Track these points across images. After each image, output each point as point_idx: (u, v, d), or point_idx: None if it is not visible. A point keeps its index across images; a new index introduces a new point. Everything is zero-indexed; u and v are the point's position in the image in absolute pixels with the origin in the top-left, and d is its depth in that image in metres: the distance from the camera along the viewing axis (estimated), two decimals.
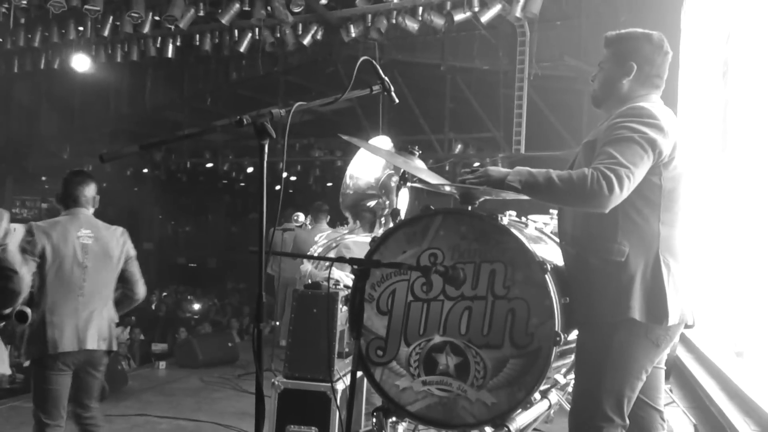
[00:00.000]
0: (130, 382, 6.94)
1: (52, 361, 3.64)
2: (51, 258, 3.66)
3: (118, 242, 3.91)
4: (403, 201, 3.38)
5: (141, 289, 4.07)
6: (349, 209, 3.73)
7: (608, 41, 2.78)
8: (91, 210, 3.91)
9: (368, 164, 3.61)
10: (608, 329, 2.55)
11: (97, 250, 3.81)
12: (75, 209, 3.83)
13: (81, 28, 10.56)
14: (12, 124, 14.73)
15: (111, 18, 10.05)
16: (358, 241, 4.12)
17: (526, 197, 2.61)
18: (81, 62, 11.18)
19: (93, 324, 3.76)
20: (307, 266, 4.36)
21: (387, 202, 4.00)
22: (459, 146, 11.58)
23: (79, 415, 3.81)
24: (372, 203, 3.64)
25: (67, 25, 10.51)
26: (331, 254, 4.27)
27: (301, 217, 8.19)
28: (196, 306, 12.72)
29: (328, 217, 8.36)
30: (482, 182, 2.61)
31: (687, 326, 2.71)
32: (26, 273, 3.19)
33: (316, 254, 4.33)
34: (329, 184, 15.82)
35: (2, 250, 3.09)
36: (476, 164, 10.32)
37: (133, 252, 4.01)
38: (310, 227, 8.18)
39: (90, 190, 3.88)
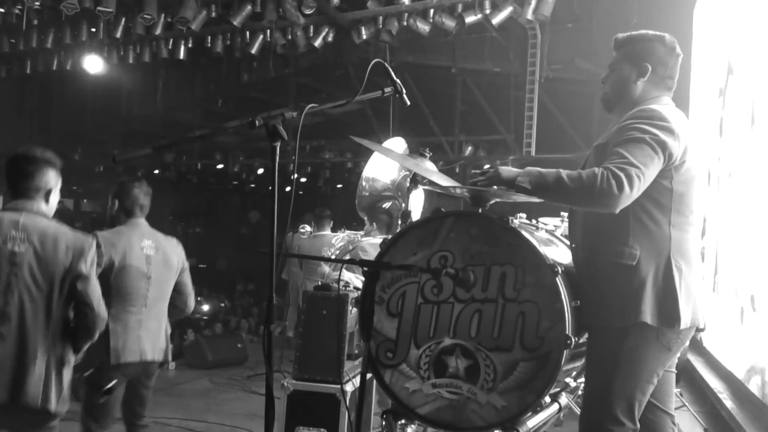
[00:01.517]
0: None
1: (112, 372, 3.62)
2: (117, 268, 3.63)
3: (176, 252, 3.92)
4: (417, 203, 3.38)
5: (191, 302, 4.07)
6: (365, 211, 3.74)
7: (618, 43, 2.77)
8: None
9: (384, 166, 3.61)
10: (619, 333, 2.54)
11: (159, 260, 3.80)
12: (137, 219, 3.80)
13: (93, 30, 10.60)
14: (24, 124, 14.82)
15: (123, 19, 10.09)
16: (374, 243, 4.12)
17: (537, 200, 2.60)
18: (93, 63, 11.24)
19: (153, 335, 3.76)
20: (325, 268, 4.36)
21: (403, 204, 4.00)
22: (469, 148, 11.56)
23: (133, 424, 3.84)
24: (387, 205, 3.64)
25: (80, 27, 10.55)
26: (347, 256, 4.28)
27: (307, 228, 8.18)
28: (206, 307, 12.73)
29: (332, 222, 8.36)
30: (492, 182, 2.60)
31: (698, 329, 2.71)
32: (103, 309, 3.08)
33: (332, 256, 4.33)
34: (339, 186, 15.84)
35: (84, 282, 2.98)
36: (486, 166, 10.29)
37: (187, 263, 4.01)
38: (313, 236, 8.17)
39: (149, 200, 3.89)
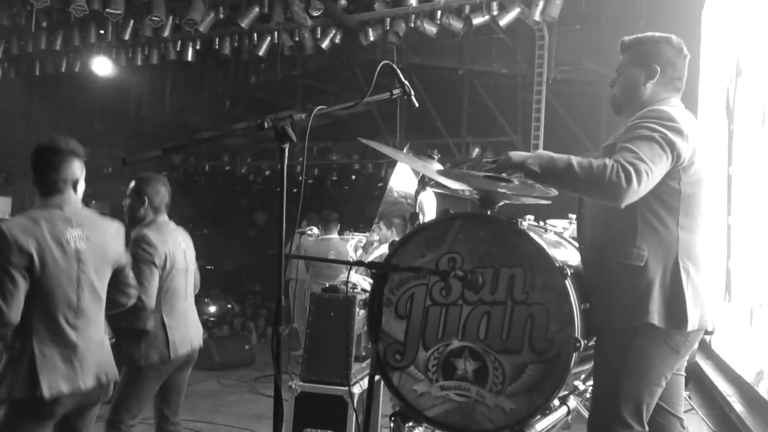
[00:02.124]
0: None
1: (166, 366, 3.69)
2: (169, 265, 3.69)
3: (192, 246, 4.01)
4: (430, 205, 3.38)
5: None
6: (381, 217, 3.76)
7: (625, 46, 2.77)
8: None
9: (408, 175, 3.64)
10: (627, 334, 2.53)
11: (190, 254, 3.92)
12: (164, 215, 3.82)
13: (102, 32, 10.66)
14: (32, 126, 14.88)
15: (132, 21, 10.14)
16: None
17: (544, 201, 2.59)
18: (102, 65, 11.30)
19: (193, 325, 3.90)
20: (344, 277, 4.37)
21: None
22: (476, 150, 11.54)
23: (167, 419, 3.90)
24: (398, 207, 3.65)
25: (89, 29, 10.60)
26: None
27: (315, 230, 8.17)
28: (213, 308, 12.76)
29: (339, 225, 8.34)
30: (503, 168, 2.58)
31: (707, 332, 2.69)
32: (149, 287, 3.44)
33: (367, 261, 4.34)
34: (346, 188, 15.85)
35: (128, 266, 3.20)
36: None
37: None
38: (320, 239, 8.16)
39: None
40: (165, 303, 3.67)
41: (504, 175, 2.57)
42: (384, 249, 4.36)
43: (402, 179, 3.93)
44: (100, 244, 2.99)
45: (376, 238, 4.52)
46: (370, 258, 4.38)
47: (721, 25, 5.62)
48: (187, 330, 3.79)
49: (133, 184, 3.77)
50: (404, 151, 4.02)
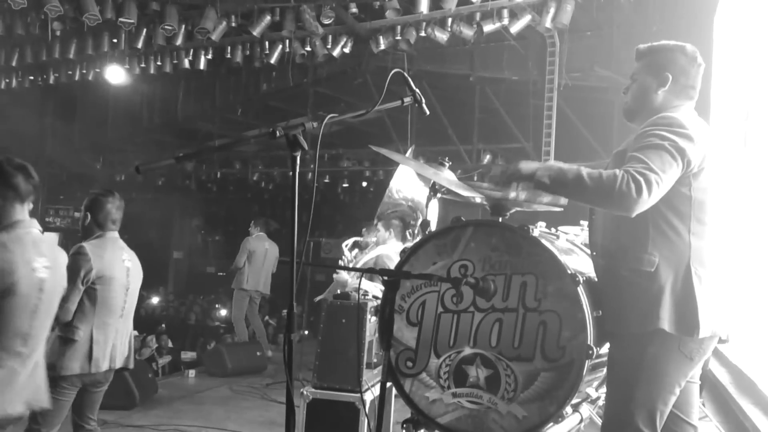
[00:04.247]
0: (160, 390, 7.00)
1: (81, 379, 3.71)
2: (103, 279, 3.72)
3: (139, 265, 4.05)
4: (432, 212, 3.38)
5: None
6: (380, 218, 3.76)
7: (640, 53, 2.77)
8: None
9: (409, 177, 3.63)
10: (640, 341, 2.52)
11: (135, 274, 3.94)
12: (113, 232, 3.87)
13: (115, 41, 10.73)
14: (46, 134, 15.01)
15: (144, 30, 10.21)
16: (399, 251, 4.14)
17: (556, 208, 2.59)
18: (115, 74, 11.39)
19: (122, 344, 3.89)
20: (344, 276, 4.37)
21: (416, 213, 4.02)
22: (488, 157, 11.54)
23: (82, 427, 3.86)
24: (397, 210, 3.66)
25: (102, 38, 10.68)
26: (370, 263, 4.29)
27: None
28: (224, 312, 12.81)
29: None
30: (513, 178, 2.58)
31: (721, 341, 2.67)
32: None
33: (359, 265, 4.33)
34: (357, 194, 15.86)
35: None
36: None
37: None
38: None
39: (121, 214, 3.96)
40: (96, 316, 3.70)
41: (513, 185, 2.58)
42: (381, 250, 4.36)
43: (403, 181, 3.91)
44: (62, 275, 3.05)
45: (374, 239, 4.52)
46: (365, 258, 4.37)
47: (734, 30, 5.59)
48: (114, 348, 3.80)
49: (85, 199, 3.91)
50: (408, 153, 4.01)
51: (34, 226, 2.88)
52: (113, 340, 3.80)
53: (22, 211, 2.82)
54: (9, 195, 2.78)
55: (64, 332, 3.65)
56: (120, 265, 3.83)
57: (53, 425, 3.68)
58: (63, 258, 3.16)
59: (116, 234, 3.90)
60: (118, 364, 3.86)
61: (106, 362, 3.75)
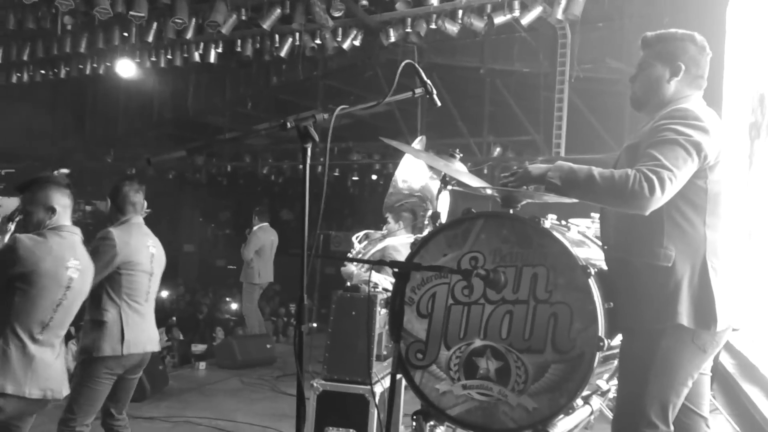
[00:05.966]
0: (171, 382, 7.04)
1: (117, 363, 3.74)
2: (129, 264, 3.80)
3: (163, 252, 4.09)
4: (443, 204, 3.37)
5: None
6: (391, 210, 3.75)
7: (648, 42, 2.74)
8: None
9: (415, 168, 3.61)
10: (654, 335, 2.51)
11: (158, 260, 4.01)
12: (137, 217, 3.95)
13: (126, 34, 10.77)
14: (58, 128, 15.08)
15: (155, 24, 10.24)
16: (405, 243, 4.13)
17: (568, 200, 2.58)
18: (126, 67, 11.42)
19: (150, 328, 3.96)
20: (351, 268, 4.37)
21: (426, 204, 4.00)
22: (498, 149, 11.50)
23: (113, 416, 3.91)
24: (410, 203, 3.64)
25: (113, 31, 10.71)
26: (378, 255, 4.29)
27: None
28: (234, 305, 12.84)
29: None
30: (523, 182, 2.58)
31: (733, 329, 2.66)
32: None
33: (366, 257, 4.32)
34: (367, 187, 15.85)
35: None
36: (515, 167, 10.23)
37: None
38: None
39: (142, 197, 4.03)
40: (124, 300, 3.77)
41: (524, 188, 2.57)
42: (388, 242, 4.35)
43: (409, 171, 3.89)
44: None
45: (384, 231, 4.51)
46: (373, 250, 4.36)
47: (746, 21, 5.54)
48: (143, 332, 3.86)
49: None
50: (416, 142, 3.99)
51: (76, 233, 3.33)
52: (141, 324, 3.85)
53: (65, 218, 3.32)
54: (67, 203, 3.34)
55: (93, 315, 3.73)
56: (145, 251, 3.90)
57: (89, 415, 3.72)
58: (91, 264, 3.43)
59: (141, 219, 3.97)
60: (151, 348, 3.92)
61: (138, 345, 3.80)
